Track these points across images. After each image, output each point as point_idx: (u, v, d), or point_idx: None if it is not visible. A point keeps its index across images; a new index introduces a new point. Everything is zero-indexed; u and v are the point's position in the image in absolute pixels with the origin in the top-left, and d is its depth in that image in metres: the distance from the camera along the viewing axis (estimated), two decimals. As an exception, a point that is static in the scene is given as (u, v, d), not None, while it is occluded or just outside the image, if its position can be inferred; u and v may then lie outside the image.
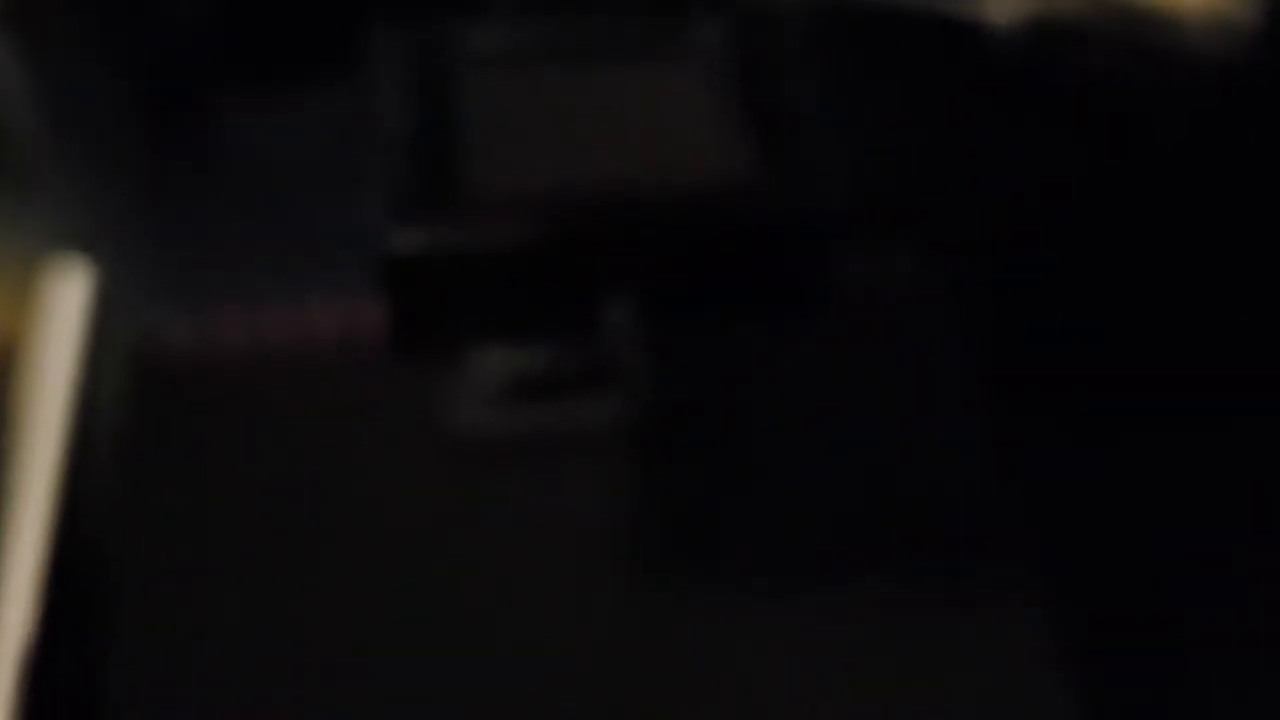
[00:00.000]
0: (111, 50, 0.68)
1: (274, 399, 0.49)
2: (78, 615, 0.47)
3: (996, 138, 0.64)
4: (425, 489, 0.47)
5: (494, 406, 0.45)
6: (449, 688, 0.43)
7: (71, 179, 0.61)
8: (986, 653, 0.46)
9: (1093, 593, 0.49)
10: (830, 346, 0.51)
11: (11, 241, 0.58)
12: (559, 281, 0.36)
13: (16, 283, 0.55)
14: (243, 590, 0.46)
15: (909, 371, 0.51)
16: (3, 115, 0.64)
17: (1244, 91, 0.67)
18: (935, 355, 0.53)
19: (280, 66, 0.65)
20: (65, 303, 0.54)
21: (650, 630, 0.43)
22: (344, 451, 0.48)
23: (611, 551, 0.45)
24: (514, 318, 0.38)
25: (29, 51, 0.67)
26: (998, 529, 0.49)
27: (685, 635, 0.44)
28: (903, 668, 0.45)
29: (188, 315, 0.52)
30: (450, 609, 0.45)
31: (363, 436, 0.49)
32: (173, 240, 0.57)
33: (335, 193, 0.58)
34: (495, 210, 0.36)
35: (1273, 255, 0.60)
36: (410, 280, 0.36)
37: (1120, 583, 0.49)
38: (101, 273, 0.55)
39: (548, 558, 0.45)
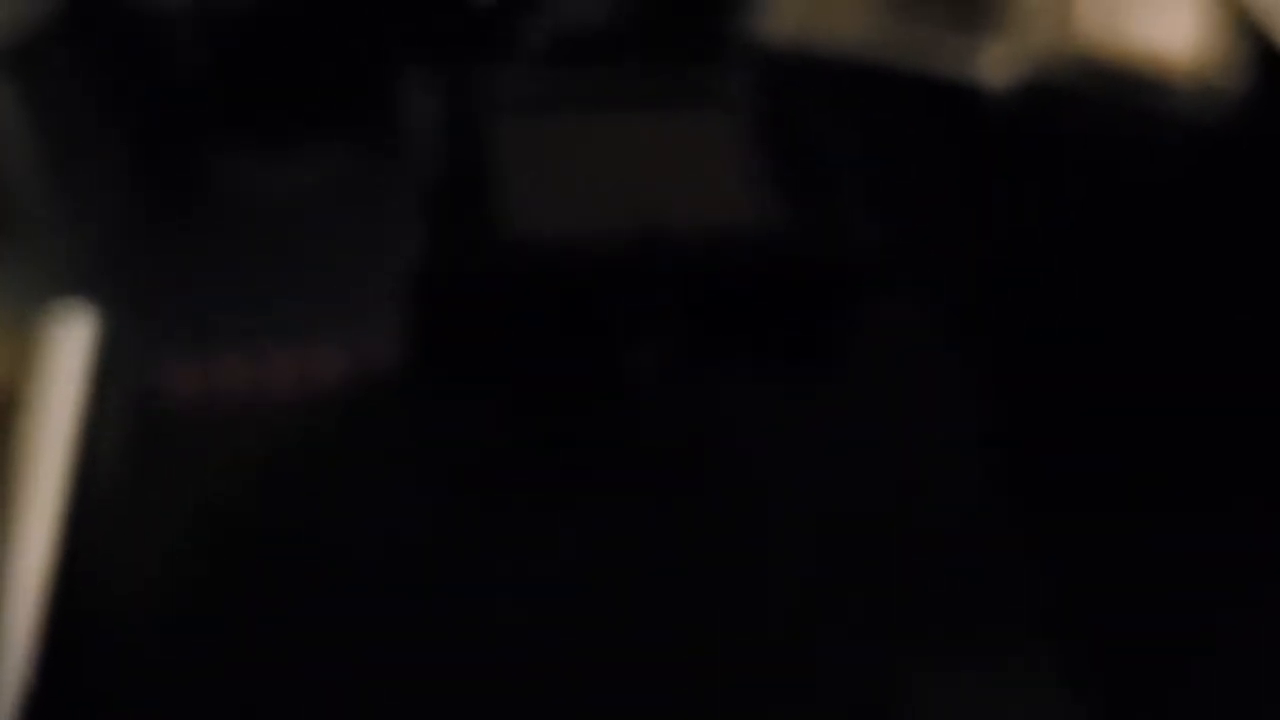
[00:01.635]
0: (115, 95, 0.68)
1: (275, 443, 0.49)
2: (78, 660, 0.46)
3: (993, 191, 0.65)
4: (429, 528, 0.47)
5: (508, 447, 0.46)
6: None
7: (74, 225, 0.61)
8: (992, 690, 0.46)
9: (1095, 634, 0.49)
10: (840, 391, 0.52)
11: (13, 288, 0.57)
12: (583, 324, 0.36)
13: (18, 329, 0.55)
14: (249, 634, 0.46)
15: (919, 414, 0.52)
16: (3, 162, 0.64)
17: (1225, 150, 0.69)
18: (944, 401, 0.53)
19: (283, 117, 0.66)
20: (67, 349, 0.53)
21: (663, 673, 0.44)
22: (347, 493, 0.49)
23: (623, 594, 0.46)
24: (539, 358, 0.38)
25: (31, 97, 0.67)
26: (1000, 572, 0.50)
27: (701, 672, 0.45)
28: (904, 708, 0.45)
29: (189, 361, 0.52)
30: (459, 642, 0.45)
31: (366, 479, 0.49)
32: (175, 286, 0.57)
33: (336, 239, 0.58)
34: (523, 253, 0.36)
35: (1246, 297, 0.61)
36: (440, 318, 0.36)
37: (1120, 619, 0.50)
38: (103, 319, 0.54)
39: (551, 595, 0.45)
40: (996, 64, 0.69)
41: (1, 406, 0.53)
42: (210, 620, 0.47)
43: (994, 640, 0.48)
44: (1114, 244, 0.63)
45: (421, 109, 0.38)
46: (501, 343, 0.38)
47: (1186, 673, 0.49)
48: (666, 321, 0.35)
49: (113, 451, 0.51)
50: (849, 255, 0.38)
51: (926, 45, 0.70)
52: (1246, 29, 0.72)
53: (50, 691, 0.44)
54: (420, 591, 0.47)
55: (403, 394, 0.50)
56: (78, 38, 0.69)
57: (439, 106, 0.38)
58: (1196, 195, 0.67)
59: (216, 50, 0.68)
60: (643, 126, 0.38)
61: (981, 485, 0.52)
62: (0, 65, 0.67)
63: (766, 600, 0.46)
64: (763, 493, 0.47)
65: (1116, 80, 0.69)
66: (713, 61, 0.41)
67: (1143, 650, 0.49)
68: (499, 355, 0.39)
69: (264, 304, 0.56)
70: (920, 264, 0.60)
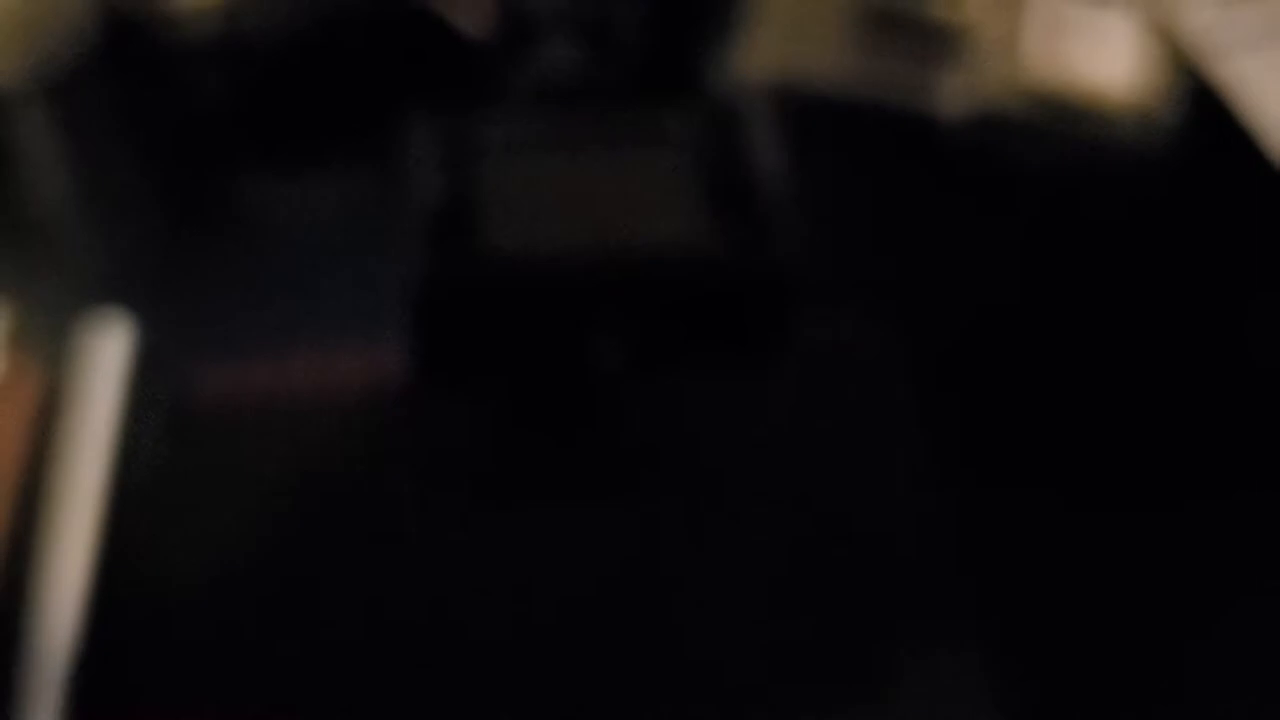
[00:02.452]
0: (145, 125, 0.72)
1: (303, 440, 0.54)
2: (118, 649, 0.49)
3: (943, 216, 0.68)
4: (441, 519, 0.52)
5: (504, 442, 0.51)
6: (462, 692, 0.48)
7: (108, 243, 0.65)
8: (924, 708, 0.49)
9: (1029, 647, 0.52)
10: (780, 394, 0.56)
11: (52, 300, 0.61)
12: (557, 325, 0.42)
13: (58, 339, 0.59)
14: (280, 627, 0.50)
15: (855, 424, 0.56)
16: (39, 181, 0.69)
17: (1161, 173, 0.71)
18: (881, 411, 0.57)
19: (300, 144, 0.69)
20: (104, 356, 0.57)
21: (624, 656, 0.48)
22: (370, 485, 0.53)
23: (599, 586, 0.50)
24: (521, 354, 0.44)
25: (68, 127, 0.71)
26: (940, 583, 0.53)
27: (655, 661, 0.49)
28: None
29: (218, 365, 0.56)
30: (467, 620, 0.49)
31: (386, 471, 0.54)
32: (202, 297, 0.61)
33: (358, 254, 0.62)
34: (506, 268, 0.41)
35: (1182, 307, 0.65)
36: (435, 324, 0.42)
37: (1059, 638, 0.52)
38: (136, 328, 0.58)
39: (542, 579, 0.50)
40: (951, 96, 0.73)
41: (43, 410, 0.57)
42: (246, 606, 0.51)
43: (930, 643, 0.51)
44: (1057, 259, 0.67)
45: (420, 146, 0.44)
46: (490, 341, 0.43)
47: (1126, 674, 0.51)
48: (627, 324, 0.41)
49: (150, 449, 0.55)
50: (789, 269, 0.43)
51: (888, 79, 0.75)
52: (1181, 62, 0.76)
53: (90, 682, 0.48)
54: (432, 583, 0.51)
55: (408, 393, 0.55)
56: (110, 73, 0.72)
57: (435, 144, 0.43)
58: (1135, 216, 0.70)
59: (239, 84, 0.72)
60: (610, 162, 0.43)
61: (923, 481, 0.55)
62: (40, 99, 0.72)
63: (716, 592, 0.51)
64: (715, 483, 0.52)
65: (1060, 111, 0.73)
66: (677, 103, 0.46)
67: (1085, 661, 0.51)
68: (488, 352, 0.45)
69: (284, 313, 0.60)
70: (866, 278, 0.64)
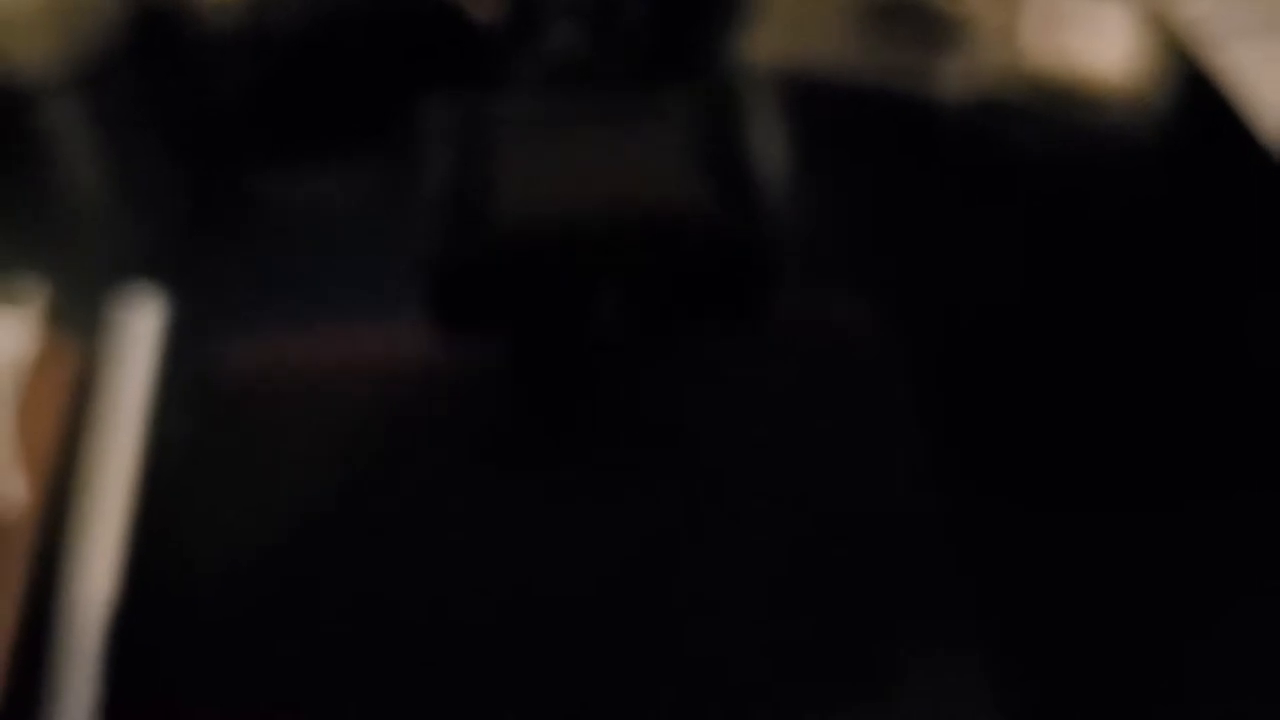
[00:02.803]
0: (172, 112, 0.74)
1: (327, 412, 0.56)
2: (152, 623, 0.51)
3: (942, 203, 0.70)
4: (459, 486, 0.54)
5: (514, 408, 0.54)
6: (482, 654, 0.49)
7: (138, 226, 0.67)
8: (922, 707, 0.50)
9: (1030, 646, 0.52)
10: (777, 385, 0.58)
11: (85, 280, 0.63)
12: (564, 285, 0.45)
13: (91, 315, 0.61)
14: (304, 585, 0.52)
15: (853, 417, 0.58)
16: (70, 167, 0.71)
17: (1161, 165, 0.73)
18: (881, 404, 0.58)
19: (321, 129, 0.72)
20: (137, 331, 0.60)
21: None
22: (389, 453, 0.55)
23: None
24: (529, 317, 0.47)
25: (99, 116, 0.73)
26: (940, 581, 0.53)
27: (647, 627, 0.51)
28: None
29: (249, 341, 0.59)
30: (484, 583, 0.51)
31: (405, 440, 0.56)
32: (234, 275, 0.64)
33: (379, 234, 0.64)
34: (517, 234, 0.44)
35: (1177, 298, 0.65)
36: (452, 287, 0.45)
37: (1060, 637, 0.52)
38: (169, 305, 0.60)
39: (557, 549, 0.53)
40: (951, 83, 0.75)
41: (77, 384, 0.60)
42: (272, 565, 0.53)
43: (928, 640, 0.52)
44: (1055, 247, 0.68)
45: (432, 125, 0.47)
46: (502, 306, 0.46)
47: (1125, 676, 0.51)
48: (627, 285, 0.44)
49: (181, 419, 0.57)
50: (765, 234, 0.46)
51: (889, 67, 0.77)
52: (1178, 50, 0.78)
53: (125, 660, 0.49)
54: (446, 530, 0.53)
55: (429, 363, 0.58)
56: (138, 63, 0.75)
57: (448, 123, 0.46)
58: (1132, 204, 0.71)
59: (262, 71, 0.74)
60: (609, 137, 0.46)
61: (922, 478, 0.56)
62: (70, 87, 0.75)
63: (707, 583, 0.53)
64: (715, 478, 0.54)
65: (1058, 98, 0.75)
66: (679, 85, 0.49)
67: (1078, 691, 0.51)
68: (501, 316, 0.48)
69: (308, 290, 0.62)
70: (865, 265, 0.65)
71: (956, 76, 0.76)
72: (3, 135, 0.73)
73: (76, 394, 0.58)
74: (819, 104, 0.76)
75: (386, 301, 0.59)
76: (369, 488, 0.55)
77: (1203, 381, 0.62)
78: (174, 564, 0.53)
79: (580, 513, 0.54)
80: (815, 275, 0.65)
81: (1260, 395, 0.61)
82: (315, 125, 0.73)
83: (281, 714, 0.48)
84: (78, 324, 0.61)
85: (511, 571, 0.52)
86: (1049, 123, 0.75)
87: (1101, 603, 0.53)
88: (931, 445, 0.58)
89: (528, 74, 0.50)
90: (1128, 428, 0.60)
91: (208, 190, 0.70)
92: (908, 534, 0.54)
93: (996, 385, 0.61)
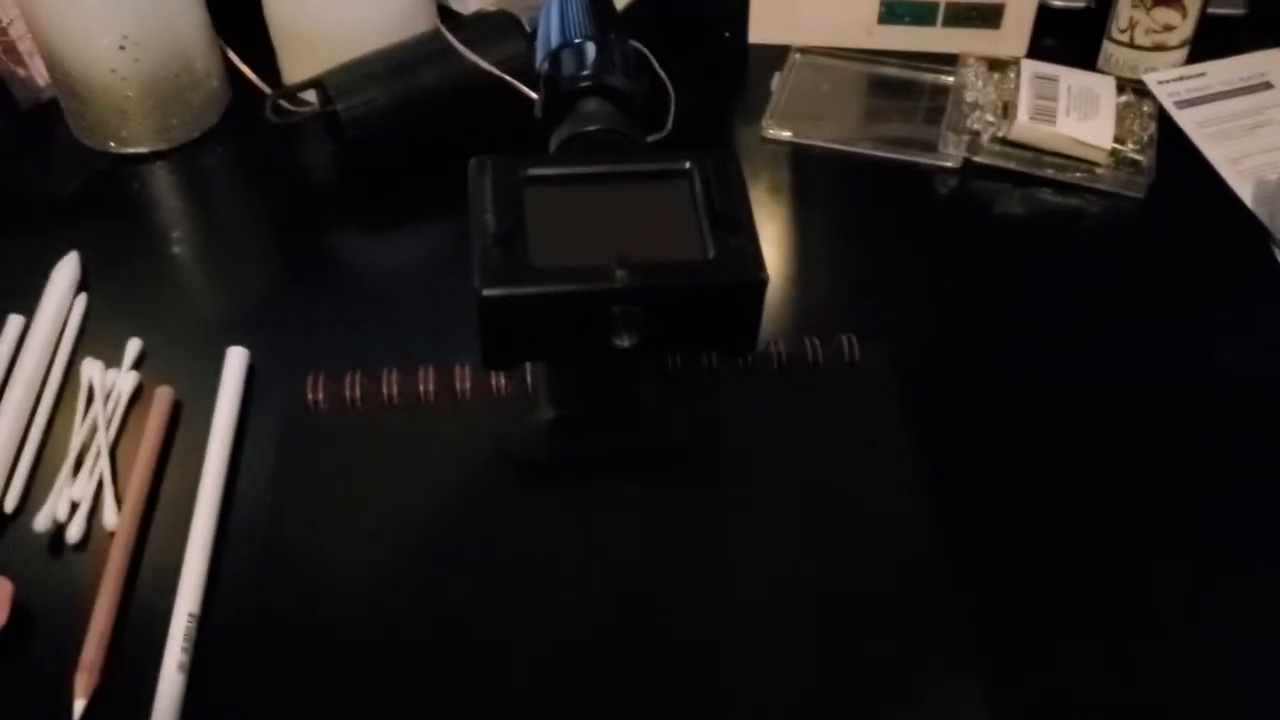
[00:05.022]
0: (260, 186, 0.82)
1: (388, 441, 0.64)
2: (242, 603, 0.58)
3: (939, 258, 0.76)
4: (494, 501, 0.62)
5: (542, 440, 0.63)
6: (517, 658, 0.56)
7: (231, 289, 0.75)
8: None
9: (1021, 658, 0.56)
10: (781, 413, 0.65)
11: (188, 333, 0.70)
12: (588, 325, 0.51)
13: (188, 363, 0.67)
14: (367, 578, 0.59)
15: (850, 446, 0.64)
16: (177, 240, 0.77)
17: (1139, 220, 0.78)
18: (877, 434, 0.64)
19: (391, 204, 0.80)
20: (231, 374, 0.66)
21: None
22: (435, 473, 0.63)
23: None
24: (560, 346, 0.53)
25: (196, 187, 0.82)
26: (924, 597, 0.58)
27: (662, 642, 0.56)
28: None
29: (322, 381, 0.65)
30: (514, 586, 0.59)
31: (454, 462, 0.63)
32: (309, 330, 0.71)
33: (430, 296, 0.72)
34: (548, 274, 0.51)
35: (1149, 332, 0.70)
36: (496, 320, 0.51)
37: (1049, 649, 0.56)
38: (257, 354, 0.68)
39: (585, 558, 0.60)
40: (946, 150, 0.81)
41: (174, 423, 0.65)
42: (340, 563, 0.59)
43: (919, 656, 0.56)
44: (1041, 295, 0.73)
45: (480, 183, 0.53)
46: (538, 336, 0.52)
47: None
48: (641, 324, 0.50)
49: (265, 446, 0.64)
50: (761, 282, 0.52)
51: (892, 140, 0.83)
52: (1154, 117, 0.83)
53: (210, 674, 0.55)
54: (483, 540, 0.60)
55: (480, 398, 0.64)
56: (233, 140, 0.83)
57: (493, 182, 0.53)
58: (1113, 256, 0.76)
59: (337, 155, 0.83)
60: (626, 196, 0.53)
61: (917, 501, 0.61)
62: (174, 162, 0.82)
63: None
64: (719, 506, 0.61)
65: (1045, 162, 0.80)
66: (674, 153, 0.55)
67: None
68: (535, 348, 0.54)
69: (376, 340, 0.70)
70: (870, 311, 0.72)
71: (952, 144, 0.81)
72: (109, 203, 0.80)
73: (173, 431, 0.65)
74: (825, 171, 0.83)
75: (442, 348, 0.66)
76: (432, 509, 0.61)
77: (1178, 410, 0.66)
78: (262, 573, 0.59)
79: (612, 524, 0.61)
80: (819, 318, 0.71)
81: (1227, 422, 0.65)
82: (386, 198, 0.80)
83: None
84: (176, 369, 0.68)
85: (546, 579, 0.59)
86: (1037, 184, 0.80)
87: (1084, 612, 0.57)
88: (926, 471, 0.62)
89: (559, 143, 0.57)
90: (1106, 447, 0.64)
91: (290, 259, 0.78)
92: (902, 551, 0.59)
93: (987, 421, 0.66)
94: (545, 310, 0.51)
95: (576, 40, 0.61)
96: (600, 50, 0.60)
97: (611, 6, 0.65)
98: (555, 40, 0.61)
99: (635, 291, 0.50)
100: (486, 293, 0.49)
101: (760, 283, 0.50)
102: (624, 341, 0.49)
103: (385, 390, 0.65)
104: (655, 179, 0.53)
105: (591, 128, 0.57)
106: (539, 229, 0.51)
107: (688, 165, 0.54)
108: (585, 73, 0.59)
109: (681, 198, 0.53)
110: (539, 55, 0.63)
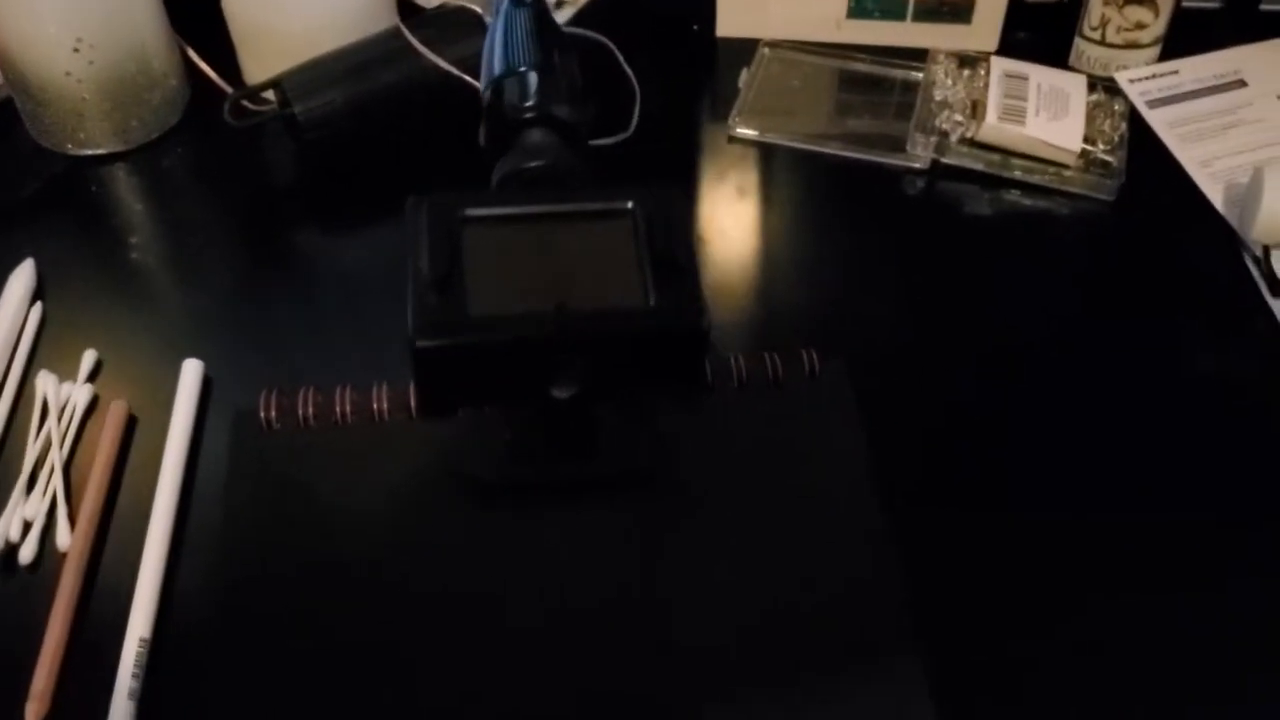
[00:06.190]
0: (218, 188, 0.82)
1: (338, 457, 0.64)
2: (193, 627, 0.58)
3: (906, 258, 0.75)
4: (448, 521, 0.62)
5: (498, 461, 0.62)
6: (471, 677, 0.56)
7: (188, 295, 0.74)
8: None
9: (967, 654, 0.56)
10: (740, 425, 0.65)
11: (142, 338, 0.70)
12: (525, 370, 0.51)
13: (148, 373, 0.67)
14: (314, 591, 0.59)
15: (809, 456, 0.64)
16: (135, 245, 0.77)
17: (1109, 219, 0.77)
18: (835, 444, 0.64)
19: (347, 207, 0.79)
20: (186, 388, 0.66)
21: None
22: (388, 492, 0.63)
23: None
24: (498, 394, 0.53)
25: (154, 188, 0.81)
26: (885, 601, 0.58)
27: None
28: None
29: (275, 399, 0.63)
30: (470, 609, 0.58)
31: (402, 481, 0.63)
32: (264, 337, 0.71)
33: (380, 305, 0.68)
34: (484, 324, 0.50)
35: (1120, 329, 0.70)
36: (430, 370, 0.51)
37: (999, 673, 0.56)
38: (211, 360, 0.67)
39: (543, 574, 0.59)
40: (916, 150, 0.80)
41: (127, 431, 0.65)
42: (287, 575, 0.59)
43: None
44: (1011, 297, 0.73)
45: (417, 221, 0.52)
46: (474, 381, 0.52)
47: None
48: (578, 371, 0.50)
49: (216, 459, 0.64)
50: (702, 321, 0.51)
51: (861, 138, 0.83)
52: (1124, 116, 0.82)
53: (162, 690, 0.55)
54: (437, 559, 0.60)
55: (422, 418, 0.63)
56: (194, 141, 0.82)
57: (430, 220, 0.52)
58: (1083, 256, 0.76)
59: (297, 156, 0.82)
60: (565, 236, 0.51)
61: (870, 509, 0.61)
62: (131, 163, 0.81)
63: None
64: (683, 513, 0.61)
65: (1015, 162, 0.79)
66: (612, 192, 0.54)
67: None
68: (474, 390, 0.54)
69: (329, 351, 0.69)
70: (837, 318, 0.71)
71: (921, 144, 0.81)
72: (67, 206, 0.79)
73: (127, 443, 0.64)
74: (795, 172, 0.82)
75: (393, 361, 0.64)
76: (386, 530, 0.62)
77: (1143, 412, 0.66)
78: (214, 594, 0.59)
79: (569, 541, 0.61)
80: (784, 321, 0.71)
81: (1193, 423, 0.65)
82: (347, 199, 0.80)
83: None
84: (132, 380, 0.67)
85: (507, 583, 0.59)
86: (1007, 184, 0.79)
87: (1035, 608, 0.57)
88: (882, 479, 0.62)
89: (499, 178, 0.56)
90: (1072, 448, 0.64)
91: (246, 261, 0.77)
92: (857, 555, 0.60)
93: (954, 429, 0.65)
94: (481, 360, 0.50)
95: (520, 69, 0.59)
96: (544, 77, 0.59)
97: (557, 27, 0.64)
98: (498, 68, 0.60)
99: (572, 341, 0.49)
100: (420, 344, 0.49)
101: (701, 331, 0.50)
102: (563, 392, 0.49)
103: (339, 408, 0.63)
104: (597, 219, 0.53)
105: (534, 163, 0.56)
106: (476, 273, 0.51)
107: (630, 205, 0.53)
108: (529, 103, 0.58)
109: (623, 239, 0.52)
110: (482, 82, 0.62)
